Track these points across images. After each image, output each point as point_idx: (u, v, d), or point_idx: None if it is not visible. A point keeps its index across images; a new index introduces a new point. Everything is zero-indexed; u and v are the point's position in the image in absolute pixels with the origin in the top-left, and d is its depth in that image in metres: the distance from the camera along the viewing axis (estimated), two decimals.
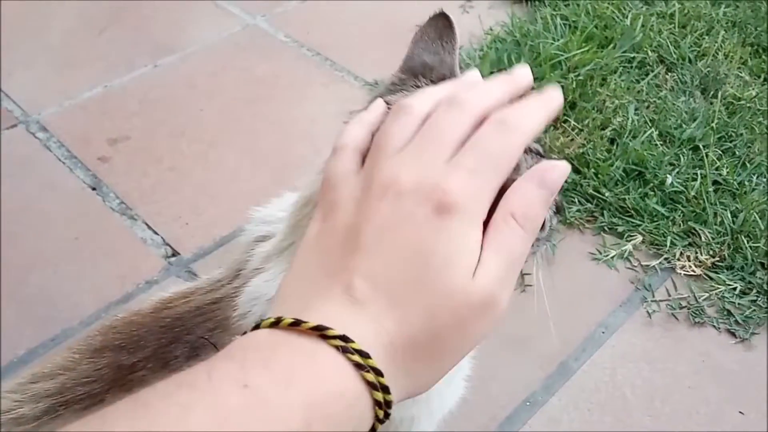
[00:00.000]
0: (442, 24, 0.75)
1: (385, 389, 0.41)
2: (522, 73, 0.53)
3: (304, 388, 0.39)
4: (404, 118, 0.49)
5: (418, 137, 0.48)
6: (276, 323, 0.42)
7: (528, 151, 0.68)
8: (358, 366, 0.41)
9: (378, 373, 0.41)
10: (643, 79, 1.69)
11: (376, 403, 0.41)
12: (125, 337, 0.76)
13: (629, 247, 1.35)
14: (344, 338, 0.41)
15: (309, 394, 0.39)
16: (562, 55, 1.67)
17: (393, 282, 0.45)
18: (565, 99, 1.61)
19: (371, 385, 0.41)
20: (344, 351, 0.41)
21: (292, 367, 0.40)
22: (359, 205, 0.48)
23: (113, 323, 0.79)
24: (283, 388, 0.39)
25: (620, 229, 1.38)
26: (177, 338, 0.75)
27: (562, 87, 1.64)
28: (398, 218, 0.46)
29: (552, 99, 0.51)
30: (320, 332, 0.41)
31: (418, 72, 0.74)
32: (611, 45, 1.74)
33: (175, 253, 1.37)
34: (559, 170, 0.48)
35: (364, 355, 0.41)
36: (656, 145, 1.51)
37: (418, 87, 0.73)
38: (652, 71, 1.71)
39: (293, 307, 0.45)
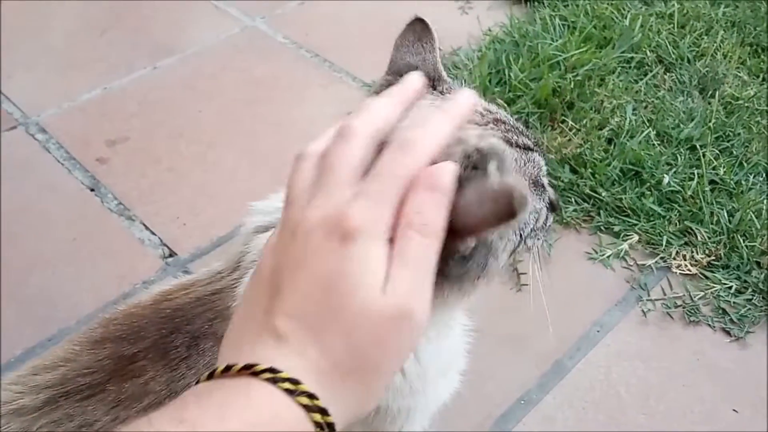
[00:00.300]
0: (419, 28, 0.80)
1: (323, 411, 0.44)
2: (409, 81, 0.56)
3: (240, 417, 0.43)
4: (302, 165, 0.52)
5: (317, 176, 0.51)
6: (211, 375, 0.46)
7: (516, 145, 0.69)
8: (291, 392, 0.44)
9: (312, 396, 0.44)
10: (641, 79, 1.70)
11: (318, 425, 0.44)
12: (125, 329, 0.78)
13: (625, 246, 1.36)
14: (272, 370, 0.45)
15: (246, 421, 0.43)
16: (560, 55, 1.67)
17: (310, 314, 0.48)
18: (563, 99, 1.63)
19: (309, 409, 0.44)
20: (275, 381, 0.44)
21: (226, 402, 0.44)
22: (277, 253, 0.51)
23: (113, 315, 0.80)
24: (218, 419, 0.42)
25: (616, 228, 1.38)
26: (177, 329, 0.76)
27: (561, 87, 1.65)
28: (308, 254, 0.49)
29: (457, 105, 0.54)
30: (250, 370, 0.45)
31: (403, 72, 0.76)
32: (610, 45, 1.74)
33: (172, 254, 1.37)
34: (444, 170, 0.50)
35: (295, 381, 0.44)
36: (654, 144, 1.51)
37: None
38: (651, 71, 1.71)
39: (228, 356, 0.48)
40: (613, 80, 1.66)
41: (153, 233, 1.40)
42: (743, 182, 1.44)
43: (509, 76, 1.64)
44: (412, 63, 0.78)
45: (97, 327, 0.80)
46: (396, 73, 0.78)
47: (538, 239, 0.75)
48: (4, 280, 1.32)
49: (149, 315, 0.79)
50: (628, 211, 1.40)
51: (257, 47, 1.86)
